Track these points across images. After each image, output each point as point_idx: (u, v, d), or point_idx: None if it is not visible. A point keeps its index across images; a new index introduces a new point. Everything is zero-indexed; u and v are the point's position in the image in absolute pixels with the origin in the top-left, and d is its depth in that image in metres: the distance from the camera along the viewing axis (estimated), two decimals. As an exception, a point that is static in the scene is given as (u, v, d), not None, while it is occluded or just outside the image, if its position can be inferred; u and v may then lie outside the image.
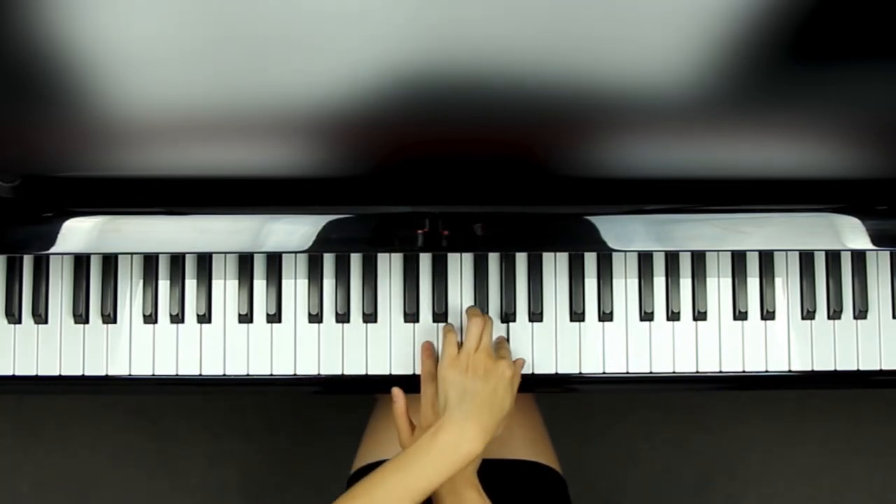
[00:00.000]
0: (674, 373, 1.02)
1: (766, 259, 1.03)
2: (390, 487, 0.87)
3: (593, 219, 0.94)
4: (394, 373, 1.02)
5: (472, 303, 1.02)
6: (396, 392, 0.97)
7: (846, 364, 1.02)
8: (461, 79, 0.81)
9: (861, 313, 1.03)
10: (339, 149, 0.87)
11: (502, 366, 0.93)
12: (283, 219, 0.93)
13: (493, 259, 1.03)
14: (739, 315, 1.02)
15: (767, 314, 1.02)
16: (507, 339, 1.02)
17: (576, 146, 0.87)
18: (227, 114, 0.83)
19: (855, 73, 0.82)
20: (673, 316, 1.02)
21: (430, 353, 1.00)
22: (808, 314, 1.02)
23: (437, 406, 0.95)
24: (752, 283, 1.03)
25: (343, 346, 1.02)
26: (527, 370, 1.02)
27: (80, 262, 1.02)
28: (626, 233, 0.94)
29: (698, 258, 1.03)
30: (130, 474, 1.68)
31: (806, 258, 1.03)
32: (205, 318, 1.02)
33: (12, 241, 0.93)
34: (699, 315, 1.02)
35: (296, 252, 0.95)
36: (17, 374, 1.01)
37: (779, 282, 1.03)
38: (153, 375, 1.02)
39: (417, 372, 1.01)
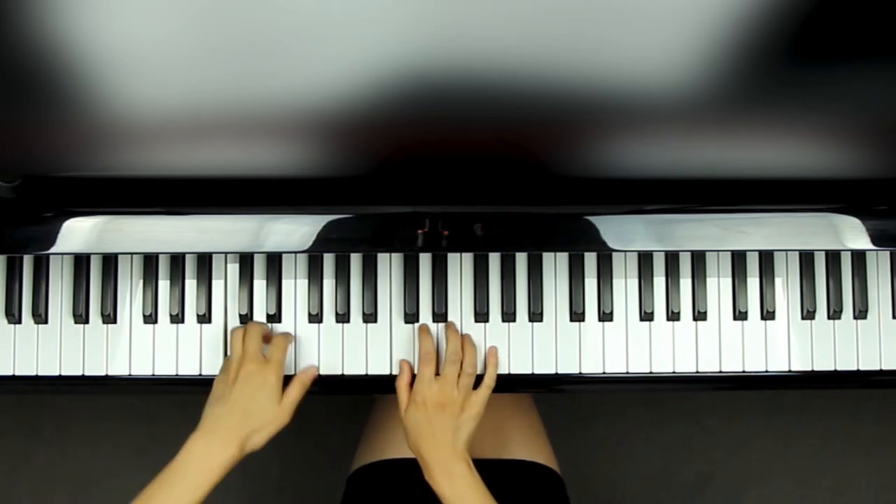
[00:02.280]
0: (674, 373, 1.02)
1: (766, 259, 1.03)
2: None
3: (593, 219, 0.93)
4: (394, 373, 1.01)
5: (471, 303, 1.02)
6: (403, 363, 1.00)
7: (846, 364, 1.02)
8: (461, 79, 0.81)
9: (861, 313, 1.03)
10: (340, 149, 0.87)
11: (267, 371, 0.94)
12: (283, 219, 0.93)
13: (494, 259, 1.03)
14: (739, 315, 1.02)
15: (767, 314, 1.02)
16: (508, 339, 1.02)
17: (576, 146, 0.87)
18: (227, 114, 0.83)
19: (855, 73, 0.82)
20: (673, 316, 1.02)
21: (429, 336, 1.00)
22: (808, 314, 1.02)
23: (434, 384, 0.97)
24: (752, 283, 1.03)
25: (343, 346, 1.02)
26: (527, 370, 1.02)
27: (80, 262, 1.02)
28: (626, 233, 0.94)
29: (698, 258, 1.03)
30: (130, 474, 1.68)
31: (806, 258, 1.03)
32: (205, 318, 1.02)
33: (12, 241, 0.93)
34: (699, 315, 1.02)
35: (296, 252, 0.95)
36: (17, 374, 1.01)
37: (779, 282, 1.03)
38: (153, 375, 1.02)
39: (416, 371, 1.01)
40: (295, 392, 0.96)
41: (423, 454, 0.95)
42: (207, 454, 0.90)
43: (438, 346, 1.01)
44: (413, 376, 0.99)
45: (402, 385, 0.99)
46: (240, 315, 1.02)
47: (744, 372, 1.03)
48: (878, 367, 1.02)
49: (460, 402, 0.96)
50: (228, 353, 0.99)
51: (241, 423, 0.92)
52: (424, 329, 1.01)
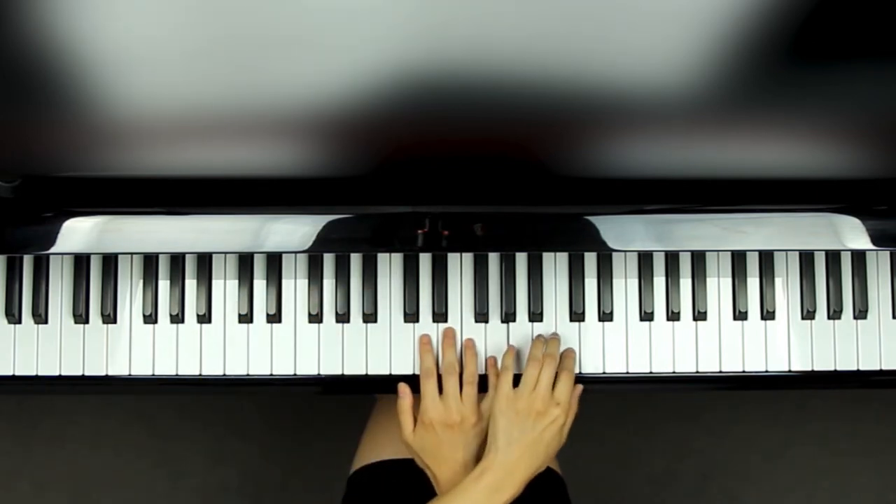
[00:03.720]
0: (674, 373, 1.02)
1: (766, 259, 1.03)
2: None
3: (593, 219, 0.94)
4: (394, 373, 1.02)
5: (472, 303, 1.02)
6: (403, 387, 0.99)
7: (846, 364, 1.02)
8: (461, 79, 0.81)
9: (861, 313, 1.03)
10: (340, 148, 0.87)
11: (555, 412, 0.95)
12: (283, 219, 0.93)
13: (493, 259, 1.03)
14: (739, 315, 1.02)
15: (767, 314, 1.02)
16: (507, 339, 1.02)
17: (576, 146, 0.87)
18: (227, 114, 0.83)
19: (855, 73, 0.82)
20: (673, 316, 1.02)
21: (429, 349, 1.00)
22: (808, 314, 1.02)
23: (440, 403, 0.96)
24: (752, 283, 1.03)
25: (343, 346, 1.02)
26: (527, 370, 1.02)
27: (80, 262, 1.02)
28: (626, 233, 0.94)
29: (698, 258, 1.03)
30: (130, 474, 1.68)
31: (806, 258, 1.03)
32: (205, 318, 1.02)
33: (12, 241, 0.93)
34: (699, 315, 1.02)
35: (296, 252, 0.95)
36: (17, 374, 1.01)
37: (779, 282, 1.03)
38: (153, 375, 1.02)
39: (418, 371, 1.01)
40: (568, 427, 0.97)
41: (435, 473, 0.96)
42: (500, 487, 0.91)
43: (438, 356, 1.01)
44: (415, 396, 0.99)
45: (404, 407, 0.98)
46: (240, 315, 1.02)
47: (744, 372, 1.03)
48: (878, 367, 1.02)
49: (468, 415, 0.96)
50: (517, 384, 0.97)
51: (534, 462, 0.93)
52: (425, 343, 1.00)
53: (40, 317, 1.01)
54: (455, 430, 0.96)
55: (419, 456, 0.97)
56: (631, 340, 1.02)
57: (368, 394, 1.11)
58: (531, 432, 0.93)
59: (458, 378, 0.98)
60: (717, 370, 1.02)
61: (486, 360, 1.01)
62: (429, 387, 0.97)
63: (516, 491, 0.92)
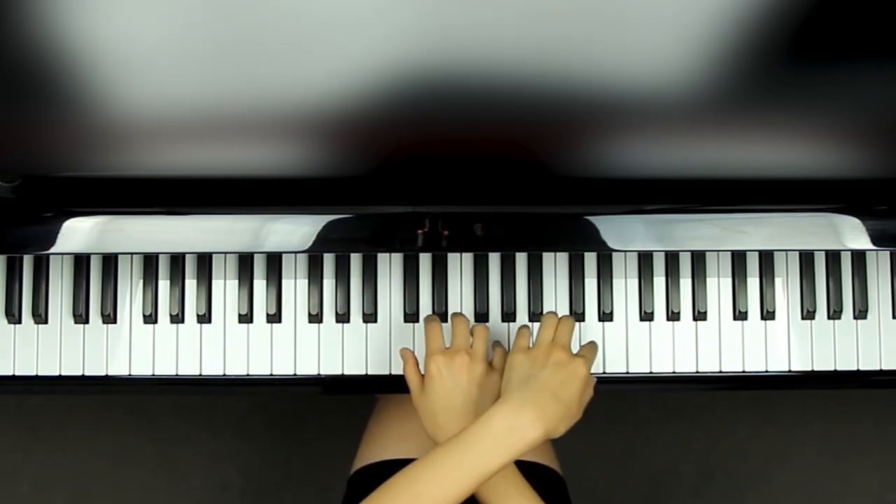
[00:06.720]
0: (674, 373, 1.02)
1: (766, 259, 1.03)
2: (440, 474, 0.82)
3: (593, 219, 0.94)
4: (394, 373, 1.02)
5: (472, 303, 1.02)
6: (405, 352, 0.96)
7: (846, 364, 1.02)
8: (461, 79, 0.81)
9: (861, 313, 1.03)
10: (340, 149, 0.87)
11: (577, 363, 0.89)
12: (283, 219, 0.93)
13: (494, 259, 1.03)
14: (739, 315, 1.02)
15: (767, 314, 1.02)
16: (508, 339, 1.02)
17: (576, 146, 0.87)
18: (227, 114, 0.83)
19: (855, 73, 0.82)
20: (673, 316, 1.02)
21: (435, 321, 0.98)
22: (808, 314, 1.02)
23: (447, 350, 0.93)
24: (752, 283, 1.03)
25: (343, 346, 1.02)
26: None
27: (80, 262, 1.02)
28: (626, 233, 0.94)
29: (698, 258, 1.03)
30: (130, 474, 1.68)
31: (806, 258, 1.03)
32: (205, 318, 1.02)
33: (12, 241, 0.93)
34: (699, 315, 1.02)
35: (296, 252, 0.95)
36: (17, 374, 1.01)
37: (779, 282, 1.03)
38: (153, 375, 1.02)
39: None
40: (589, 393, 0.91)
41: (445, 430, 0.91)
42: (513, 427, 0.82)
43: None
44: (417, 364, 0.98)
45: (410, 369, 0.95)
46: (239, 315, 1.02)
47: (744, 372, 1.03)
48: (878, 367, 1.03)
49: (478, 356, 0.92)
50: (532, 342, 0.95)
51: (550, 408, 0.85)
52: (432, 316, 0.99)
53: (40, 317, 1.01)
54: (463, 372, 0.91)
55: (428, 417, 0.92)
56: (631, 340, 1.02)
57: (368, 394, 1.11)
58: (550, 378, 0.87)
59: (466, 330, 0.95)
60: (717, 370, 1.02)
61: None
62: (433, 329, 0.94)
63: (531, 433, 0.83)
